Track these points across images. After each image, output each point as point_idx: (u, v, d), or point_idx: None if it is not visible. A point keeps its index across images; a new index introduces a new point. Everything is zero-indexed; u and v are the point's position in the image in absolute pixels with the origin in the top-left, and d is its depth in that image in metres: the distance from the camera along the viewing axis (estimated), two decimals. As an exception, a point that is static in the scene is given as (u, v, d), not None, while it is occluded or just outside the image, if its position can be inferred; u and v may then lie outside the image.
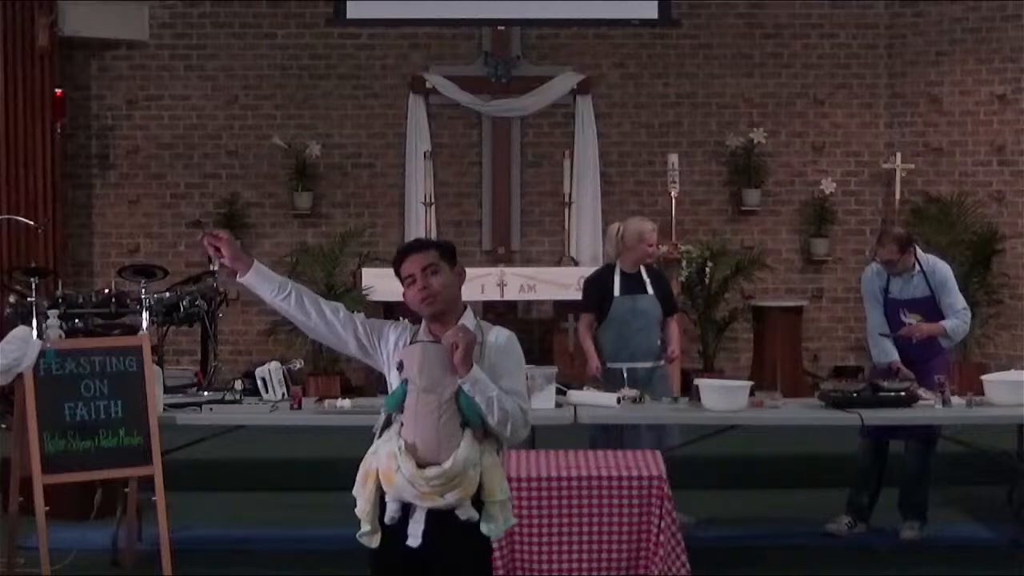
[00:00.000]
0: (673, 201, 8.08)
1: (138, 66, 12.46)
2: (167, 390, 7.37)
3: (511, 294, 11.16)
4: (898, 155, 12.12)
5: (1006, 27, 11.82)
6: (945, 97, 12.16)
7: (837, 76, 12.53)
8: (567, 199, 11.87)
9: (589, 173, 12.28)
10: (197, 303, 10.19)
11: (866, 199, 12.55)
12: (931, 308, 7.51)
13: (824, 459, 8.50)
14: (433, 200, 11.87)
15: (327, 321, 4.29)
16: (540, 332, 11.70)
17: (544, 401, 6.84)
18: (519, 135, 12.51)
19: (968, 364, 11.17)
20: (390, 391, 4.26)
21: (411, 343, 4.23)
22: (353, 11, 12.42)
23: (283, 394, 7.23)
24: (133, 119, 12.48)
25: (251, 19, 12.46)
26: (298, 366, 7.71)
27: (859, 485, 7.61)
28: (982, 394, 7.29)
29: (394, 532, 4.18)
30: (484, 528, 4.18)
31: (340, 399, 7.27)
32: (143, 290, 9.90)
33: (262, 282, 4.28)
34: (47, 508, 6.36)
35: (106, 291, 10.09)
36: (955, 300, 7.54)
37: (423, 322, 4.29)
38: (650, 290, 7.77)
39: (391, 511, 4.16)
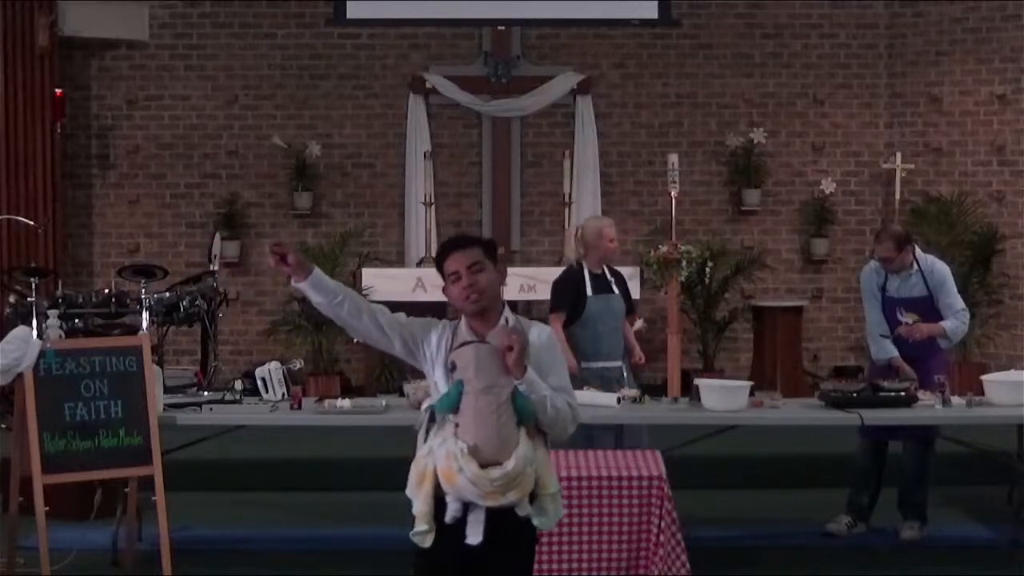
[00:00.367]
0: (673, 201, 8.05)
1: (138, 66, 12.46)
2: (167, 390, 7.37)
3: (511, 294, 11.15)
4: (898, 155, 12.12)
5: (1006, 27, 11.82)
6: (945, 97, 12.16)
7: (837, 76, 12.54)
8: (567, 199, 11.87)
9: (589, 173, 12.29)
10: (197, 303, 10.20)
11: (866, 199, 12.55)
12: (928, 308, 7.50)
13: (824, 459, 8.49)
14: (433, 200, 11.88)
15: (377, 324, 4.33)
16: (540, 332, 11.68)
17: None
18: (519, 135, 12.51)
19: (968, 364, 11.17)
20: (435, 390, 4.30)
21: (453, 342, 4.27)
22: (353, 11, 12.42)
23: (283, 394, 7.24)
24: (133, 119, 12.48)
25: (251, 19, 12.46)
26: (298, 366, 7.71)
27: (859, 485, 7.60)
28: (982, 394, 7.29)
29: (449, 531, 4.20)
30: (537, 521, 4.25)
31: (340, 399, 7.27)
32: (143, 290, 9.90)
33: (317, 291, 4.32)
34: (47, 508, 6.36)
35: (106, 291, 10.09)
36: (954, 301, 7.54)
37: (461, 319, 4.33)
38: (615, 289, 7.82)
39: (452, 511, 4.19)
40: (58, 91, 11.63)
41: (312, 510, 8.22)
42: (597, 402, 7.05)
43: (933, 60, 12.21)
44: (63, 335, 7.50)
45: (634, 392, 7.24)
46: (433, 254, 11.70)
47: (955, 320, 7.48)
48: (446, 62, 12.49)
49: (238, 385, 7.36)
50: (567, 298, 7.76)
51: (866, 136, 12.54)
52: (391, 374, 11.11)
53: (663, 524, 6.24)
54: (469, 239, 4.40)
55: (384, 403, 7.19)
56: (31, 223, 10.70)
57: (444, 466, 4.16)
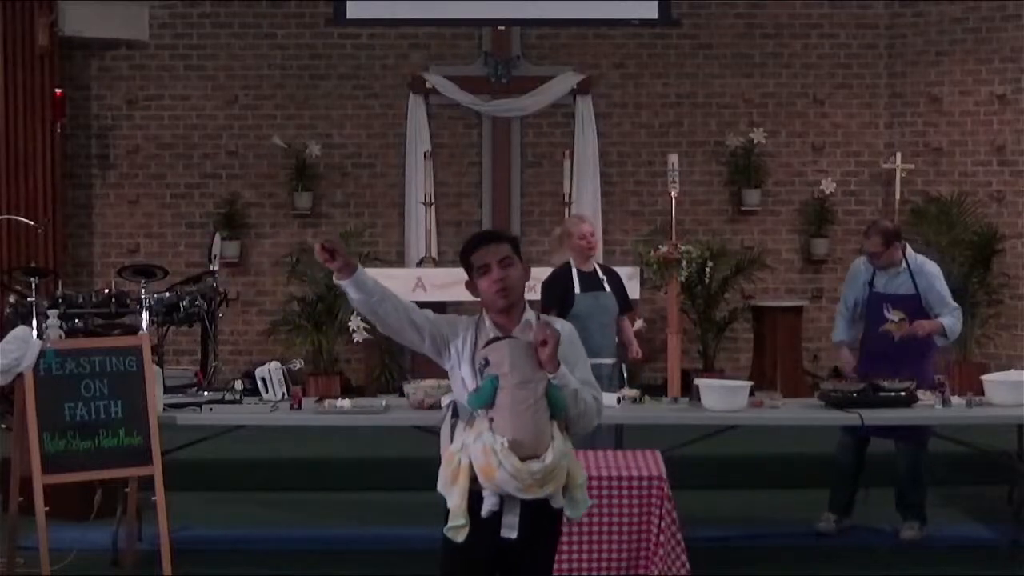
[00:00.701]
0: (673, 201, 8.06)
1: (138, 66, 12.46)
2: (167, 390, 7.38)
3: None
4: (898, 155, 12.12)
5: (1006, 27, 11.82)
6: (945, 97, 12.16)
7: (837, 76, 12.54)
8: (567, 199, 11.87)
9: (589, 173, 12.28)
10: (197, 303, 10.20)
11: (866, 199, 12.55)
12: (915, 306, 7.49)
13: (824, 459, 8.45)
14: (433, 200, 11.87)
15: (411, 322, 4.35)
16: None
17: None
18: (519, 135, 12.51)
19: (968, 364, 11.18)
20: (461, 387, 4.32)
21: (478, 338, 4.30)
22: (353, 11, 12.42)
23: (283, 394, 7.24)
24: (133, 119, 12.48)
25: (251, 19, 12.46)
26: (298, 366, 7.72)
27: (840, 483, 7.61)
28: (982, 394, 7.29)
29: (483, 525, 4.23)
30: (569, 511, 4.33)
31: (340, 399, 7.27)
32: (143, 290, 9.91)
33: (358, 289, 4.32)
34: (47, 508, 6.37)
35: (106, 291, 10.09)
36: (947, 298, 7.54)
37: (483, 316, 4.37)
38: (607, 287, 7.84)
39: (490, 505, 4.23)
40: (58, 91, 11.63)
41: (312, 510, 8.22)
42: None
43: (933, 60, 12.21)
44: (63, 335, 7.51)
45: (634, 392, 7.24)
46: (433, 254, 11.92)
47: (952, 317, 7.48)
48: (446, 62, 12.49)
49: (238, 385, 7.36)
50: (555, 296, 7.81)
51: (866, 136, 12.54)
52: (391, 374, 11.12)
53: (663, 524, 6.24)
54: (499, 234, 4.46)
55: (384, 403, 7.20)
56: (31, 223, 10.70)
57: (482, 461, 4.19)
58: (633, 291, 10.93)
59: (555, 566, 6.11)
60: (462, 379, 4.33)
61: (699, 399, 7.11)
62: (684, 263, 7.71)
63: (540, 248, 12.40)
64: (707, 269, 11.17)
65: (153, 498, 6.62)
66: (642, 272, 10.54)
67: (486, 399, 4.21)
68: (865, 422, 6.93)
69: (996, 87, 11.92)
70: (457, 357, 4.35)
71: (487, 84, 12.38)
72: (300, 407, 7.09)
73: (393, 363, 11.31)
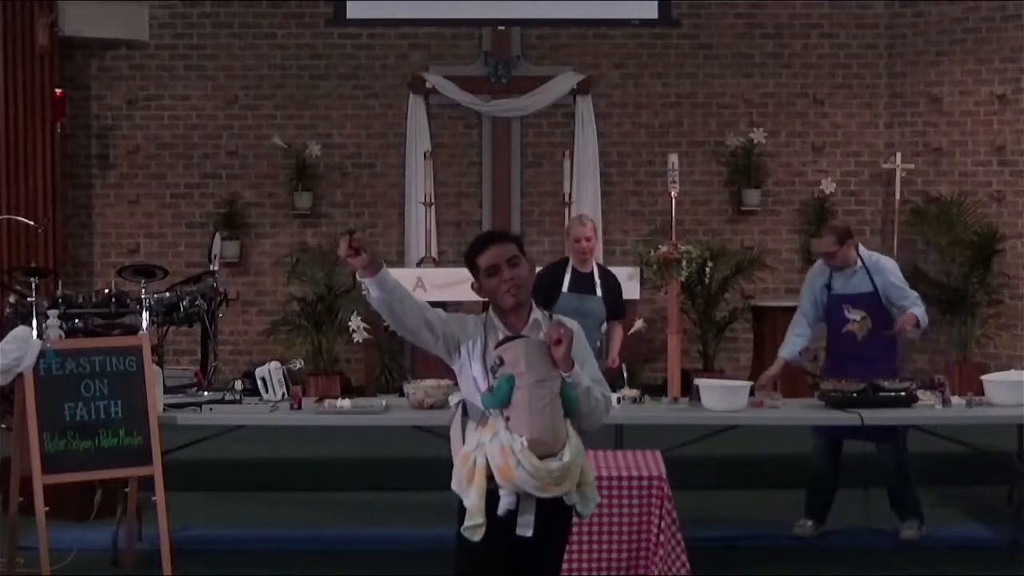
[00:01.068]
0: (673, 201, 8.06)
1: (138, 66, 12.46)
2: (167, 390, 7.38)
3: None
4: (898, 155, 12.11)
5: (1006, 27, 11.82)
6: (945, 97, 12.16)
7: (837, 76, 12.54)
8: (567, 199, 11.87)
9: (589, 173, 12.28)
10: (197, 303, 10.20)
11: (866, 199, 12.55)
12: (874, 304, 7.50)
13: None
14: (433, 200, 11.88)
15: (427, 322, 4.35)
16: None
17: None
18: (519, 135, 12.51)
19: (968, 364, 11.18)
20: (471, 386, 4.32)
21: (487, 337, 4.30)
22: (353, 11, 12.42)
23: (283, 394, 7.24)
24: (133, 119, 12.48)
25: (251, 19, 12.46)
26: (298, 366, 7.71)
27: (816, 488, 7.60)
28: (982, 394, 7.29)
29: (499, 524, 4.24)
30: (580, 508, 4.36)
31: (340, 399, 7.27)
32: (143, 290, 9.91)
33: (380, 287, 4.33)
34: (47, 508, 6.37)
35: (106, 291, 10.09)
36: (908, 291, 7.57)
37: (490, 315, 4.37)
38: (599, 291, 7.80)
39: (506, 503, 4.24)
40: (58, 91, 11.63)
41: (312, 510, 8.22)
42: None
43: (933, 60, 12.21)
44: (63, 335, 7.50)
45: (634, 392, 7.24)
46: (433, 254, 11.91)
47: (919, 306, 7.49)
48: (446, 62, 12.49)
49: (238, 385, 7.36)
50: (540, 293, 7.76)
51: (866, 136, 12.54)
52: (391, 374, 11.12)
53: (663, 524, 6.24)
54: (504, 234, 4.48)
55: (384, 403, 7.19)
56: (31, 223, 10.70)
57: (500, 461, 4.19)
58: (633, 291, 10.96)
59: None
60: (473, 379, 4.33)
61: (699, 399, 7.11)
62: (684, 263, 7.71)
63: (540, 248, 12.41)
64: (707, 269, 11.17)
65: (153, 498, 6.62)
66: (642, 272, 10.53)
67: (502, 398, 4.21)
68: (865, 422, 6.93)
69: (996, 87, 11.91)
70: (468, 356, 4.34)
71: (487, 84, 12.38)
72: (300, 407, 7.08)
73: (393, 363, 11.31)
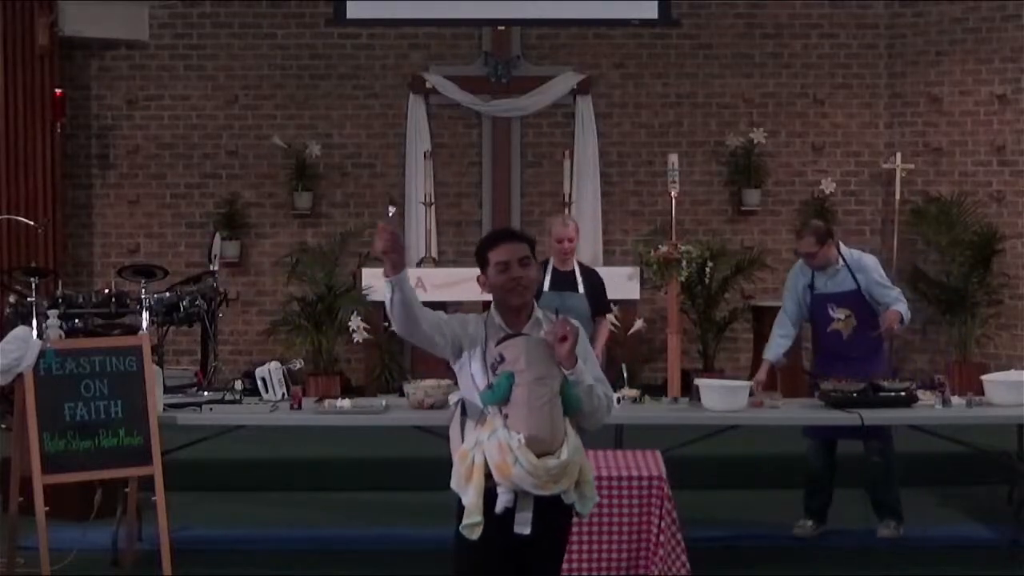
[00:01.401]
0: (673, 201, 8.06)
1: (138, 66, 12.46)
2: (167, 390, 7.38)
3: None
4: (898, 155, 12.11)
5: (1006, 27, 11.82)
6: (945, 97, 12.16)
7: (837, 76, 12.54)
8: (567, 199, 11.86)
9: (589, 173, 12.28)
10: (197, 303, 10.20)
11: (866, 199, 12.55)
12: (858, 301, 7.50)
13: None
14: (433, 200, 11.88)
15: (435, 325, 4.35)
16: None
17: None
18: (519, 135, 12.51)
19: (968, 364, 11.18)
20: (471, 384, 4.32)
21: (487, 335, 4.31)
22: (353, 11, 12.42)
23: (283, 394, 7.24)
24: (133, 119, 12.49)
25: (251, 19, 12.46)
26: (298, 366, 7.71)
27: (813, 488, 7.60)
28: (982, 394, 7.29)
29: (497, 521, 4.24)
30: (579, 506, 4.36)
31: (340, 399, 7.27)
32: (143, 290, 9.91)
33: (400, 288, 4.25)
34: (47, 508, 6.36)
35: (106, 291, 10.10)
36: (891, 287, 7.58)
37: (490, 313, 4.38)
38: (581, 289, 7.83)
39: (504, 501, 4.24)
40: (58, 91, 11.63)
41: (312, 510, 8.22)
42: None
43: (933, 60, 12.21)
44: (63, 335, 7.50)
45: (634, 392, 7.24)
46: (433, 254, 11.91)
47: (902, 302, 7.49)
48: (446, 62, 12.49)
49: (238, 385, 7.36)
50: None
51: (866, 136, 12.54)
52: (391, 374, 11.11)
53: (663, 524, 6.24)
54: (519, 234, 4.52)
55: (384, 403, 7.19)
56: (31, 223, 10.70)
57: (498, 458, 4.20)
58: (633, 291, 10.97)
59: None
60: (472, 376, 4.33)
61: (699, 399, 7.11)
62: (684, 263, 7.72)
63: (540, 248, 12.37)
64: (707, 269, 11.17)
65: (153, 498, 6.62)
66: (642, 272, 10.54)
67: (502, 395, 4.22)
68: (865, 422, 6.92)
69: (996, 87, 11.91)
70: (468, 355, 4.36)
71: (487, 84, 12.38)
72: (300, 407, 7.08)
73: (393, 363, 11.31)
